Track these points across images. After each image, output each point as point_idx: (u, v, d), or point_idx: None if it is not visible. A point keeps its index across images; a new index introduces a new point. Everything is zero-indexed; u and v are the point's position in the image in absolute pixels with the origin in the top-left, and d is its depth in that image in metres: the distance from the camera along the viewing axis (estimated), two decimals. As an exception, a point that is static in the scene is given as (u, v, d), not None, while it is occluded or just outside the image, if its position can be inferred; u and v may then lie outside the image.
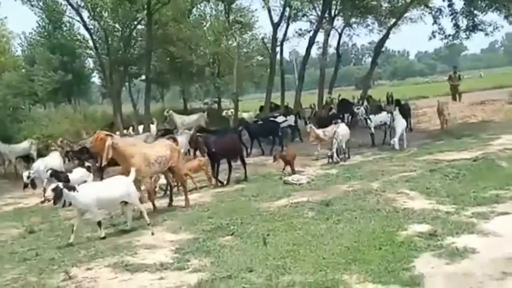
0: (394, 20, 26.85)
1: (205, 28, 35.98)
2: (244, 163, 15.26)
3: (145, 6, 22.93)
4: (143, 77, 35.97)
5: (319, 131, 17.97)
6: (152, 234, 9.67)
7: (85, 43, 37.33)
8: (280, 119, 22.32)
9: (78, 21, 25.82)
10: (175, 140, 12.38)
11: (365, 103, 24.43)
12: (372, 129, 19.42)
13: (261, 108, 27.27)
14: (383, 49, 32.14)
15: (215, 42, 33.59)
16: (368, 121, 19.48)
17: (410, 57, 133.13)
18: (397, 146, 17.72)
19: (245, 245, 8.58)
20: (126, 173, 10.86)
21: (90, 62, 43.18)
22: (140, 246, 8.96)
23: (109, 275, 7.70)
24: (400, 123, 18.50)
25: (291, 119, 22.92)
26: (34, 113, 36.07)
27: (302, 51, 27.44)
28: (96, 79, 46.92)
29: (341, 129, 16.94)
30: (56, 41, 40.75)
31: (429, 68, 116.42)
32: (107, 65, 25.25)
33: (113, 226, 10.63)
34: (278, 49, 28.01)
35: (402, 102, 24.70)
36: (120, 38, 27.01)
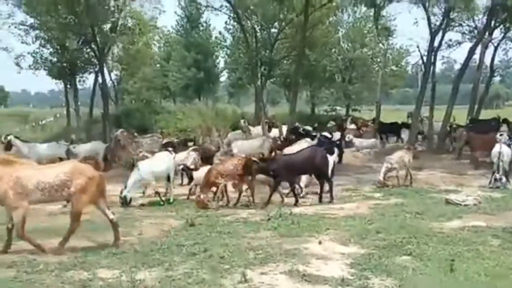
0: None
1: (340, 34, 35.40)
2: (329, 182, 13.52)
3: (294, 8, 22.66)
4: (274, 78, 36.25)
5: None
6: (320, 243, 9.07)
7: (222, 42, 38.36)
8: None
9: (233, 18, 25.98)
10: (97, 162, 9.51)
11: None
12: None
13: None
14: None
15: (357, 47, 32.85)
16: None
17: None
18: None
19: (429, 270, 7.72)
20: None
21: (221, 61, 44.32)
22: (310, 255, 8.38)
23: (287, 284, 7.17)
24: None
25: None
26: (166, 107, 37.58)
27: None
28: (224, 78, 48.07)
29: (506, 150, 15.38)
30: (193, 40, 42.22)
31: None
32: (254, 64, 25.36)
33: (274, 229, 10.15)
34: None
35: None
36: (266, 39, 27.13)
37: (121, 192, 13.05)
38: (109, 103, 29.01)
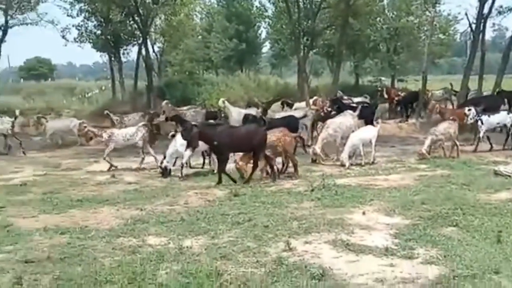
0: None
1: (385, 2, 34.40)
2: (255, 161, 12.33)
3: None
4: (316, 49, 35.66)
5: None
6: (364, 213, 9.06)
7: (264, 13, 38.04)
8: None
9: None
10: None
11: None
12: None
13: None
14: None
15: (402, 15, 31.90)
16: None
17: None
18: None
19: (475, 241, 7.63)
20: None
21: (263, 32, 43.99)
22: (354, 225, 8.40)
23: (332, 253, 7.23)
24: None
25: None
26: (208, 78, 37.69)
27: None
28: (266, 49, 47.71)
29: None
30: (234, 10, 41.97)
31: None
32: (297, 35, 25.01)
33: (317, 200, 10.18)
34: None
35: None
36: (309, 8, 26.66)
37: (162, 163, 13.39)
38: (152, 75, 29.35)
